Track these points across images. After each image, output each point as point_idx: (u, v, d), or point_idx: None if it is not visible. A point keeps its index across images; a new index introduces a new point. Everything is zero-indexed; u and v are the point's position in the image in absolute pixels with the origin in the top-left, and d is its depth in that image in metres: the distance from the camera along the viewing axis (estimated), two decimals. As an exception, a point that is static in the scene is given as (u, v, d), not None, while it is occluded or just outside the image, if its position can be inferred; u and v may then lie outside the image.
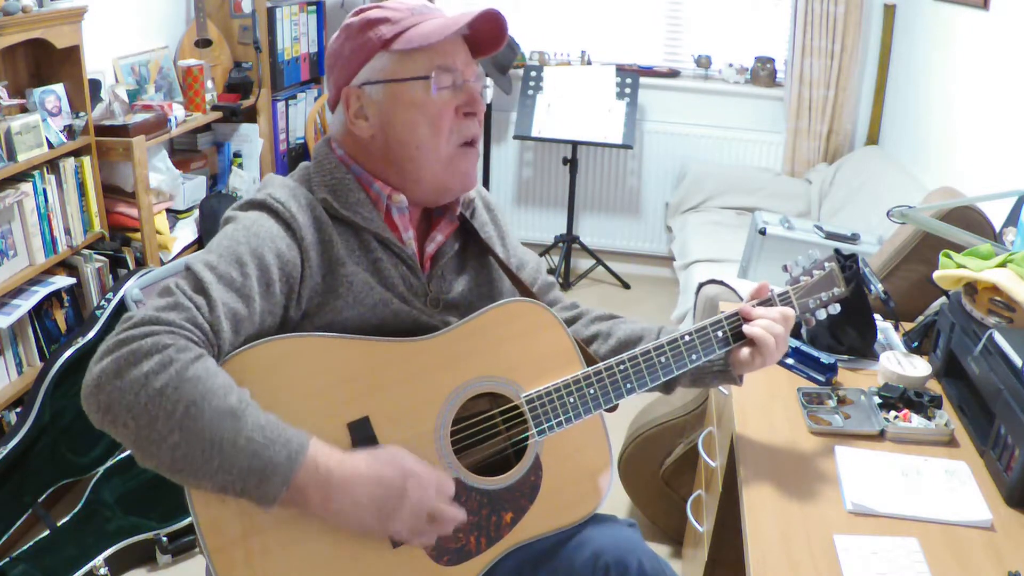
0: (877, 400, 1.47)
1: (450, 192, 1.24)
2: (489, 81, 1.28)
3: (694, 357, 1.26)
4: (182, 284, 1.02)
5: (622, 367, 1.23)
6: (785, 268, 1.41)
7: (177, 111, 2.91)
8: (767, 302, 1.32)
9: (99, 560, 2.10)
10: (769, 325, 1.26)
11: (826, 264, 1.38)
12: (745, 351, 1.28)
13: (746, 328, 1.27)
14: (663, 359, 1.24)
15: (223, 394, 0.95)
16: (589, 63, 4.12)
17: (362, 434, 1.10)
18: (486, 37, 1.20)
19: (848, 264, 1.44)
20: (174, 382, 0.93)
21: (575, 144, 3.85)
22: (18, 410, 2.23)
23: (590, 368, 1.22)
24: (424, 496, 1.05)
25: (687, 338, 1.26)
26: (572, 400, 1.21)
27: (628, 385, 1.23)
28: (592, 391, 1.21)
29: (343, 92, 1.19)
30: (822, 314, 1.37)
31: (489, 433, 1.22)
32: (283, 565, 1.05)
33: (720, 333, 1.28)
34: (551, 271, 4.07)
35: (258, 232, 1.09)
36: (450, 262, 1.27)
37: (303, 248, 1.11)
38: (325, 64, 1.24)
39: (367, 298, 1.15)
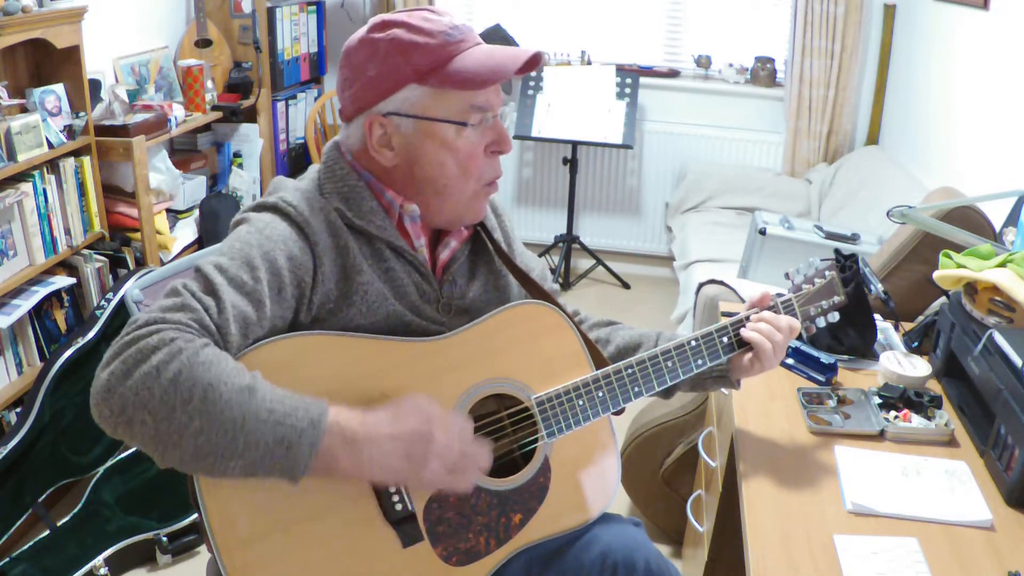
0: (877, 400, 1.48)
1: (462, 223, 1.24)
2: (512, 106, 1.26)
3: (699, 362, 1.28)
4: (191, 285, 1.00)
5: (630, 371, 1.23)
6: (787, 276, 1.42)
7: (177, 111, 2.91)
8: (772, 310, 1.33)
9: (99, 560, 2.10)
10: (769, 332, 1.27)
11: (826, 272, 1.40)
12: (746, 357, 1.30)
13: (744, 332, 1.28)
14: (670, 363, 1.26)
15: (236, 374, 0.94)
16: (589, 63, 4.12)
17: None
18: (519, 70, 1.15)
19: (848, 264, 1.44)
20: (186, 370, 0.91)
21: (575, 144, 3.85)
22: (18, 410, 2.23)
23: (599, 371, 1.23)
24: (449, 438, 1.04)
25: (693, 343, 1.27)
26: (581, 403, 1.21)
27: (636, 389, 1.24)
28: (601, 394, 1.22)
29: (366, 118, 1.15)
30: (822, 322, 1.40)
31: (498, 435, 1.22)
32: (293, 564, 1.05)
33: (726, 339, 1.30)
34: (551, 271, 4.07)
35: (270, 235, 1.08)
36: (461, 267, 1.26)
37: (316, 253, 1.10)
38: (340, 75, 1.17)
39: (380, 308, 1.14)
